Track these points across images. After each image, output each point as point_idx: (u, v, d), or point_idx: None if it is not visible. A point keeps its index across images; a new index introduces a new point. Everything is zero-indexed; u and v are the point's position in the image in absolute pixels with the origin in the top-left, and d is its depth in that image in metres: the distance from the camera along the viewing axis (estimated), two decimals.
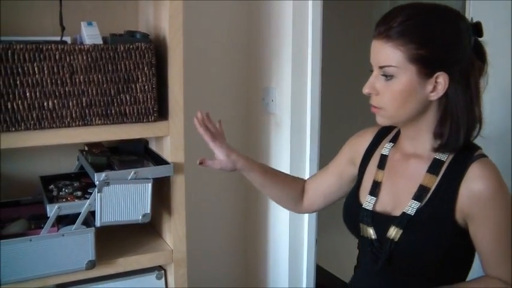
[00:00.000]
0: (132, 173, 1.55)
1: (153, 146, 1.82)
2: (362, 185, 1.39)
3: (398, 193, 1.29)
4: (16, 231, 1.55)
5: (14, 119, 1.42)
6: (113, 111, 1.53)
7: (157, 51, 1.59)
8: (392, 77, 1.19)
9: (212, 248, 2.31)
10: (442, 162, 1.24)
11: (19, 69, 1.41)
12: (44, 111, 1.46)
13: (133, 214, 1.58)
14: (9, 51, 1.39)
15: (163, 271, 1.76)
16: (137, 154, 1.75)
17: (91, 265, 1.55)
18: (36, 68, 1.43)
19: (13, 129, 1.43)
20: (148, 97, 1.56)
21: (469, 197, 1.19)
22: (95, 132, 1.53)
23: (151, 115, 1.58)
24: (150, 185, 1.57)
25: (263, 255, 2.28)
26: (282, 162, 2.11)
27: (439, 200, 1.22)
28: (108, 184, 1.52)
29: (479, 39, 1.24)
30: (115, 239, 1.74)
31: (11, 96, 1.41)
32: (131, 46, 1.52)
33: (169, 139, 1.62)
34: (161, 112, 1.62)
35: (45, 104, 1.45)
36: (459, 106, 1.20)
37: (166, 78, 1.60)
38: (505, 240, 1.21)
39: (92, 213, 1.56)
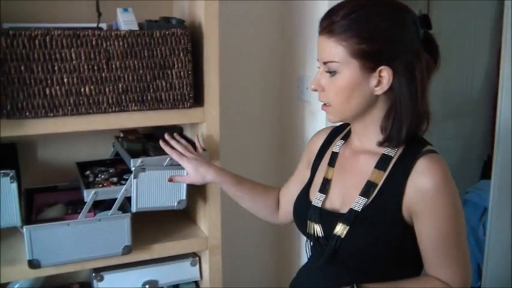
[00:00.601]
0: (167, 159, 1.55)
1: (187, 133, 1.82)
2: (313, 182, 1.37)
3: (347, 190, 1.27)
4: (54, 216, 1.57)
5: (52, 105, 1.43)
6: (148, 97, 1.53)
7: (193, 37, 1.58)
8: (336, 73, 1.17)
9: (246, 236, 2.31)
10: (390, 158, 1.22)
11: (57, 55, 1.42)
12: (80, 97, 1.46)
13: (169, 200, 1.58)
14: (48, 37, 1.40)
15: (197, 258, 1.76)
16: None
17: (127, 250, 1.56)
18: (73, 54, 1.43)
19: (51, 114, 1.44)
20: (184, 83, 1.56)
21: (414, 192, 1.16)
22: (131, 118, 1.53)
23: (187, 101, 1.57)
24: (185, 171, 1.57)
25: (297, 244, 2.27)
26: None
27: (385, 196, 1.19)
28: (144, 170, 1.52)
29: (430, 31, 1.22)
30: (150, 225, 1.75)
31: (49, 81, 1.42)
32: (167, 32, 1.51)
33: (204, 126, 1.62)
34: (196, 99, 1.61)
35: (82, 90, 1.46)
36: (403, 100, 1.17)
37: (201, 65, 1.59)
38: (448, 239, 1.17)
39: (128, 199, 1.57)
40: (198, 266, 1.76)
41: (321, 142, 1.42)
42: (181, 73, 1.55)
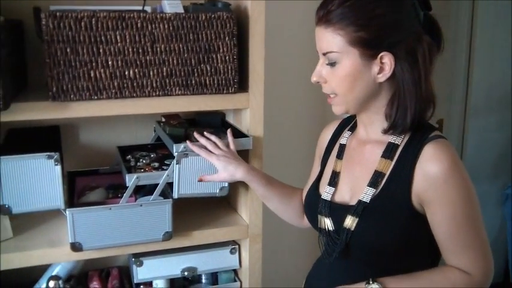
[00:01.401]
0: None
1: (230, 119, 1.79)
2: (323, 176, 1.35)
3: (356, 181, 1.24)
4: (95, 200, 1.56)
5: (96, 88, 1.42)
6: (193, 82, 1.51)
7: (238, 22, 1.55)
8: (336, 63, 1.15)
9: (287, 226, 2.27)
10: (396, 146, 1.18)
11: (102, 38, 1.40)
12: (125, 80, 1.45)
13: (211, 187, 1.56)
14: (93, 19, 1.38)
15: (237, 246, 1.74)
16: (214, 127, 1.73)
17: (168, 236, 1.55)
18: (118, 37, 1.42)
19: (95, 97, 1.43)
20: (229, 68, 1.53)
21: (423, 179, 1.12)
22: (175, 102, 1.51)
23: (232, 86, 1.54)
24: None
25: None
26: None
27: (394, 185, 1.15)
28: (186, 156, 1.50)
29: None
30: (191, 212, 1.74)
31: (94, 64, 1.41)
32: (213, 15, 1.49)
33: (248, 111, 1.59)
34: (241, 85, 1.58)
35: (126, 73, 1.44)
36: (406, 85, 1.13)
37: (246, 50, 1.56)
38: (462, 226, 1.12)
39: (169, 185, 1.55)
40: (237, 254, 1.74)
41: (330, 135, 1.40)
42: (227, 57, 1.52)
